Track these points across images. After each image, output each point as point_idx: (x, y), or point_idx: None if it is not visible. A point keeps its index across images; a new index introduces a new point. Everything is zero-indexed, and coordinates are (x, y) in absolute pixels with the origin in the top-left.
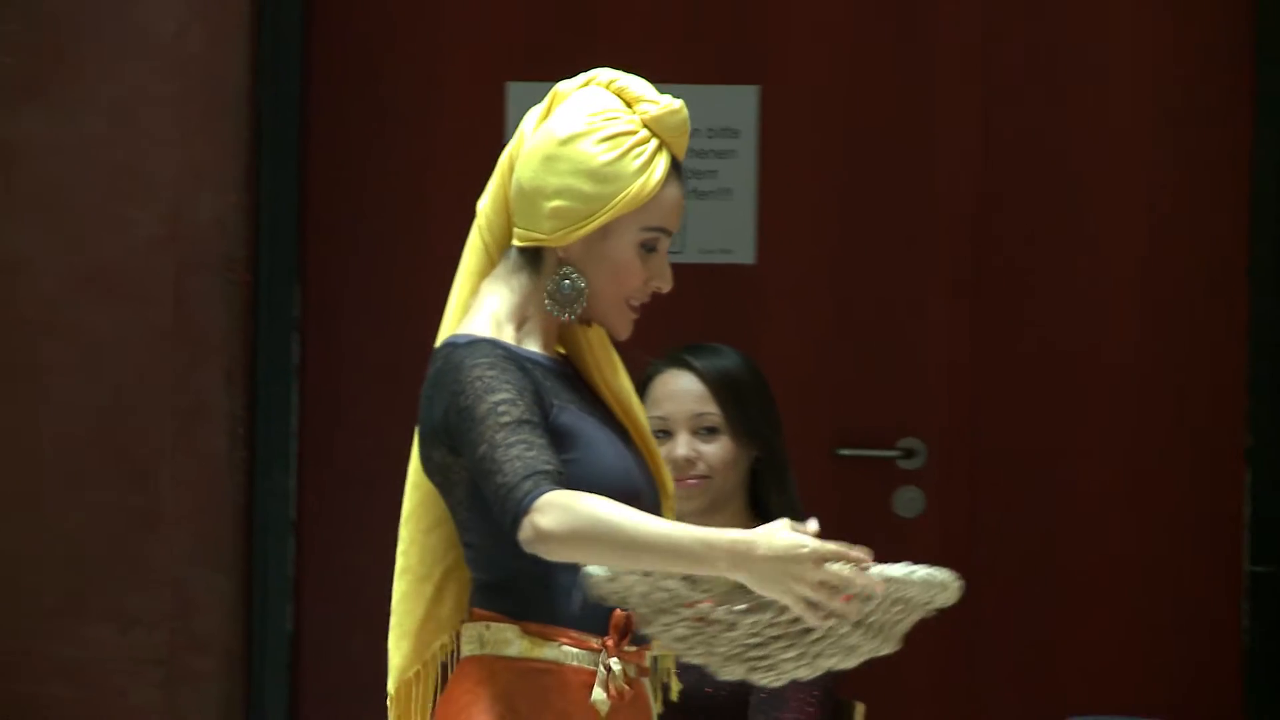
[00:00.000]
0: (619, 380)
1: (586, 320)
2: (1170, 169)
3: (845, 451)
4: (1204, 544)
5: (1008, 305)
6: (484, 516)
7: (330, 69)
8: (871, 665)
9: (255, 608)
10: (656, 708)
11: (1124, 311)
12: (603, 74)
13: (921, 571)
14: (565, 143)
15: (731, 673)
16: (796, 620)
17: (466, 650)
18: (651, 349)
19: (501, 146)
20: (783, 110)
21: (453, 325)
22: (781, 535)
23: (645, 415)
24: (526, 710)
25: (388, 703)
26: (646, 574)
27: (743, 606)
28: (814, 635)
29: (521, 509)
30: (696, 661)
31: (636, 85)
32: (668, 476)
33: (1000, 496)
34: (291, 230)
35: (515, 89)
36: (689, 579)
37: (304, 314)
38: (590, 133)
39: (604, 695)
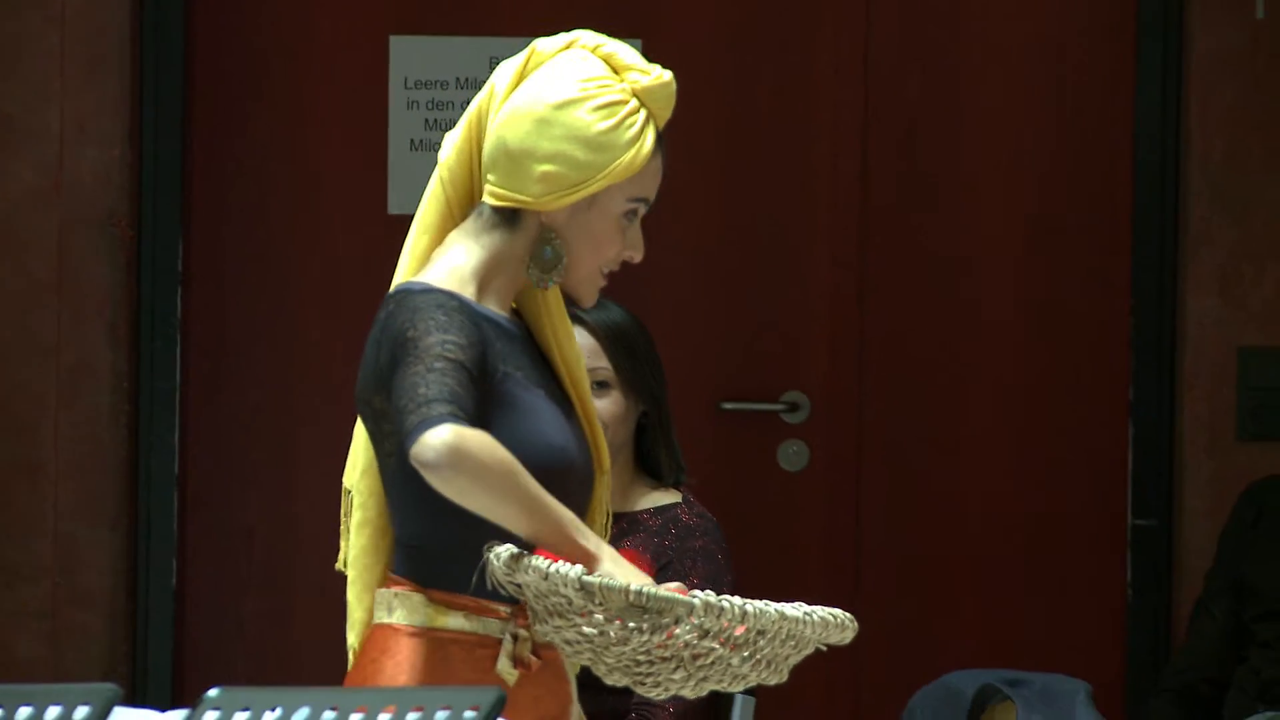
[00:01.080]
0: (571, 348)
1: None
2: (1053, 135)
3: (729, 405)
4: (1088, 498)
5: (892, 258)
6: (406, 474)
7: (213, 22)
8: None
9: (140, 563)
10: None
11: (1007, 269)
12: (586, 37)
13: (819, 613)
14: (559, 107)
15: (616, 681)
16: (687, 645)
17: (376, 617)
18: None
19: (384, 100)
20: (663, 62)
21: (406, 275)
22: (621, 574)
23: (589, 386)
24: (429, 681)
25: (349, 656)
26: (546, 576)
27: (634, 625)
28: (702, 661)
29: (428, 423)
30: (583, 664)
31: (624, 53)
32: (605, 453)
33: (885, 450)
34: (175, 184)
35: (397, 43)
36: (586, 589)
37: (187, 269)
38: (584, 99)
39: (509, 665)
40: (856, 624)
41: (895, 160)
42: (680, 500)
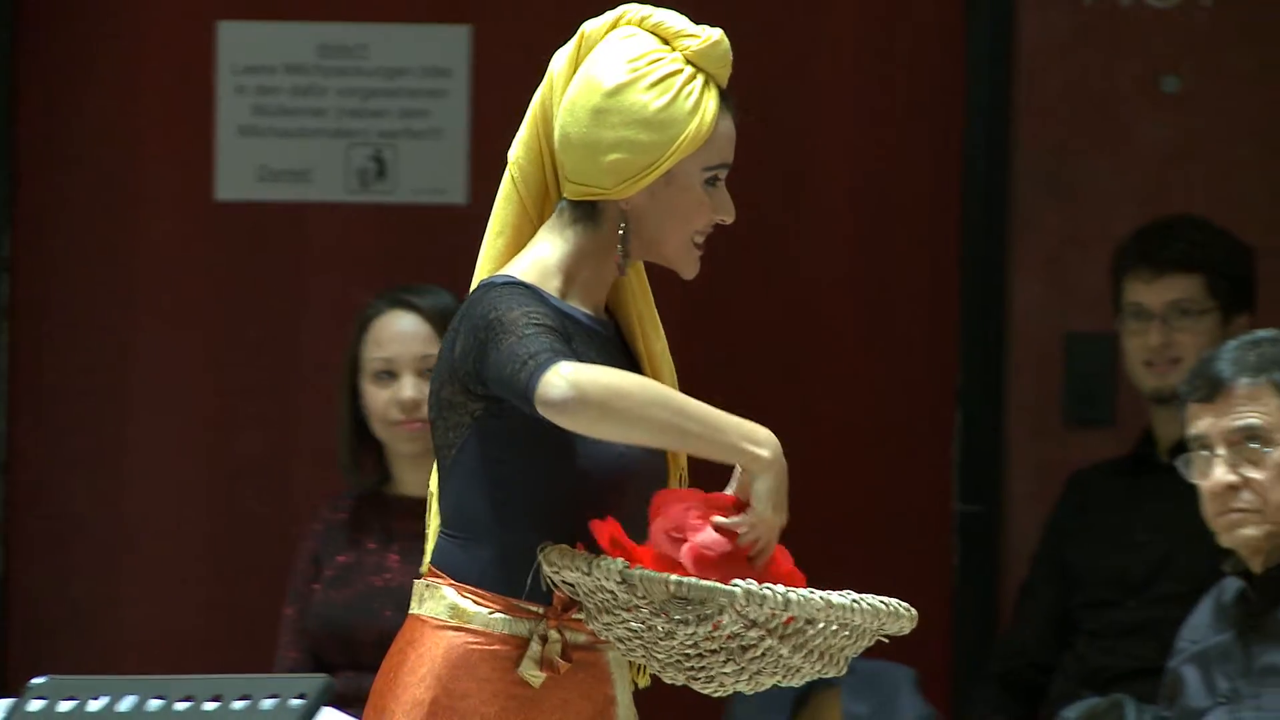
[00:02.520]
0: (659, 351)
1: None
2: (883, 121)
3: None
4: (915, 484)
5: (723, 243)
6: (464, 469)
7: (40, 7)
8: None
9: None
10: (642, 680)
11: (836, 256)
12: (632, 10)
13: (869, 600)
14: (613, 94)
15: (673, 679)
16: (735, 636)
17: (411, 608)
18: (359, 289)
19: (212, 86)
20: (495, 51)
21: (483, 277)
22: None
23: (675, 380)
24: (448, 676)
25: None
26: (588, 572)
27: (679, 618)
28: (752, 654)
29: (541, 368)
30: (639, 662)
31: (671, 19)
32: (684, 457)
33: None
34: (2, 171)
35: (225, 28)
36: (627, 582)
37: (14, 254)
38: (637, 80)
39: (534, 667)
40: (914, 613)
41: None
42: None
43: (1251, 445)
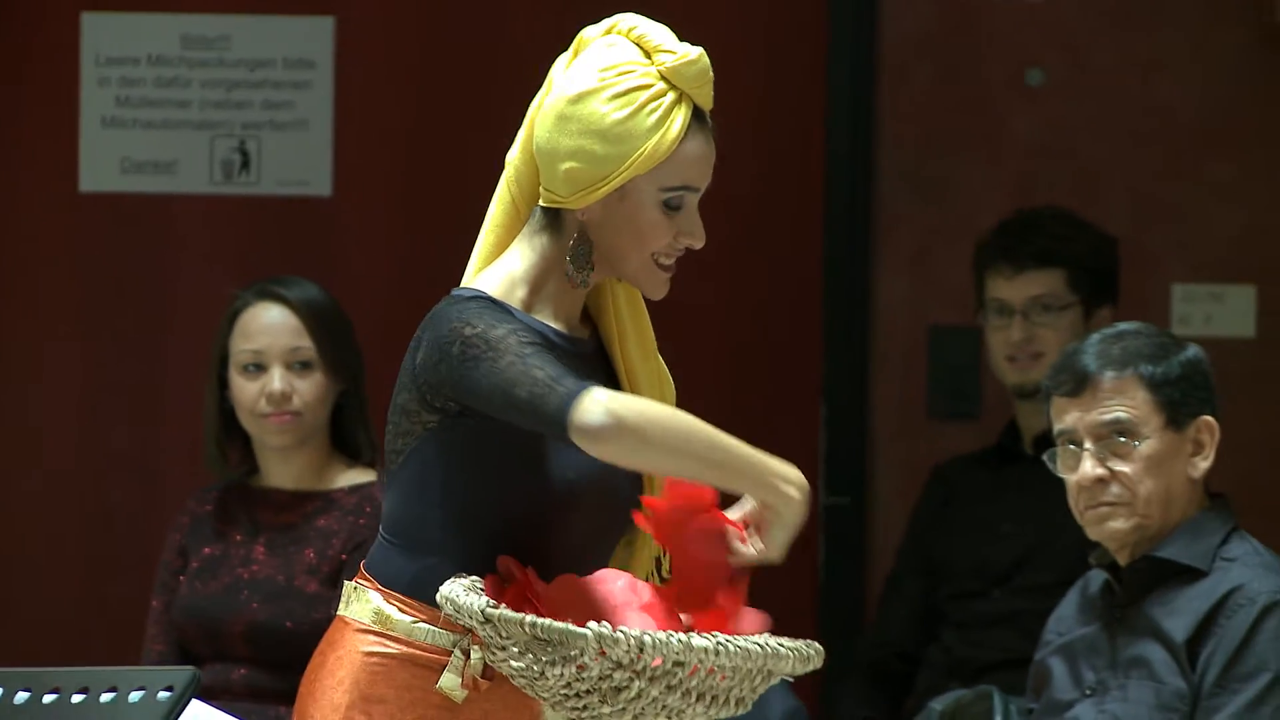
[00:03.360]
0: (645, 363)
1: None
2: (746, 117)
3: None
4: None
5: None
6: (408, 477)
7: None
8: None
9: None
10: None
11: (704, 255)
12: (625, 20)
13: (738, 642)
14: (576, 101)
15: (557, 715)
16: (604, 678)
17: (339, 609)
18: (226, 282)
19: (76, 78)
20: (358, 42)
21: (472, 275)
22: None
23: (672, 401)
24: (366, 681)
25: None
26: (457, 609)
27: (545, 659)
28: (626, 694)
29: (573, 395)
30: (532, 694)
31: (656, 33)
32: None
33: None
34: None
35: (89, 19)
36: (490, 622)
37: None
38: (601, 89)
39: (455, 681)
40: (811, 651)
41: None
42: (376, 479)
43: (1119, 439)
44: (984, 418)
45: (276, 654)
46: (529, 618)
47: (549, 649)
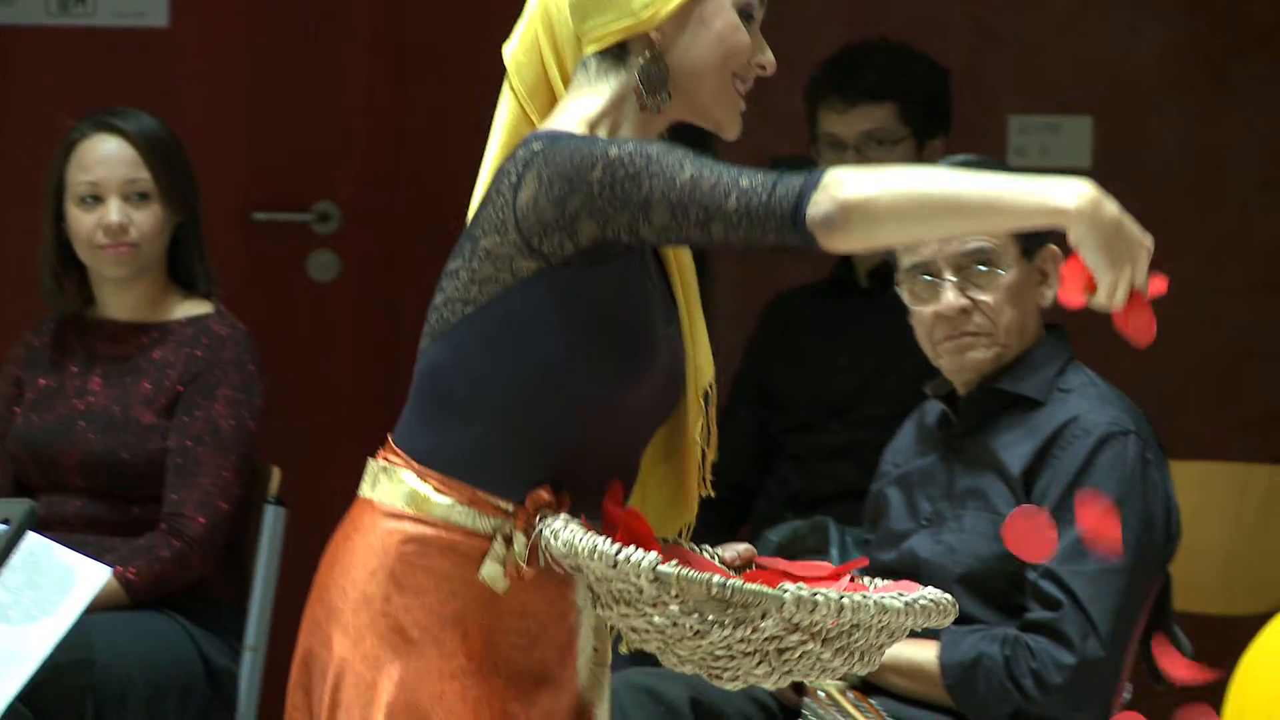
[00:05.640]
0: (685, 252)
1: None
2: None
3: (260, 216)
4: None
5: (425, 70)
6: (469, 333)
7: None
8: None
9: None
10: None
11: None
12: None
13: (922, 601)
14: None
15: (684, 669)
16: (773, 639)
17: (362, 489)
18: (62, 113)
19: None
20: None
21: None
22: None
23: (698, 296)
24: (402, 573)
25: None
26: (614, 564)
27: (713, 619)
28: (788, 655)
29: (808, 185)
30: (648, 650)
31: None
32: (706, 370)
33: (415, 260)
34: None
35: None
36: (661, 580)
37: None
38: None
39: (497, 570)
40: (955, 607)
41: None
42: (212, 311)
43: (980, 269)
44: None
45: (111, 485)
46: (716, 578)
47: (727, 610)
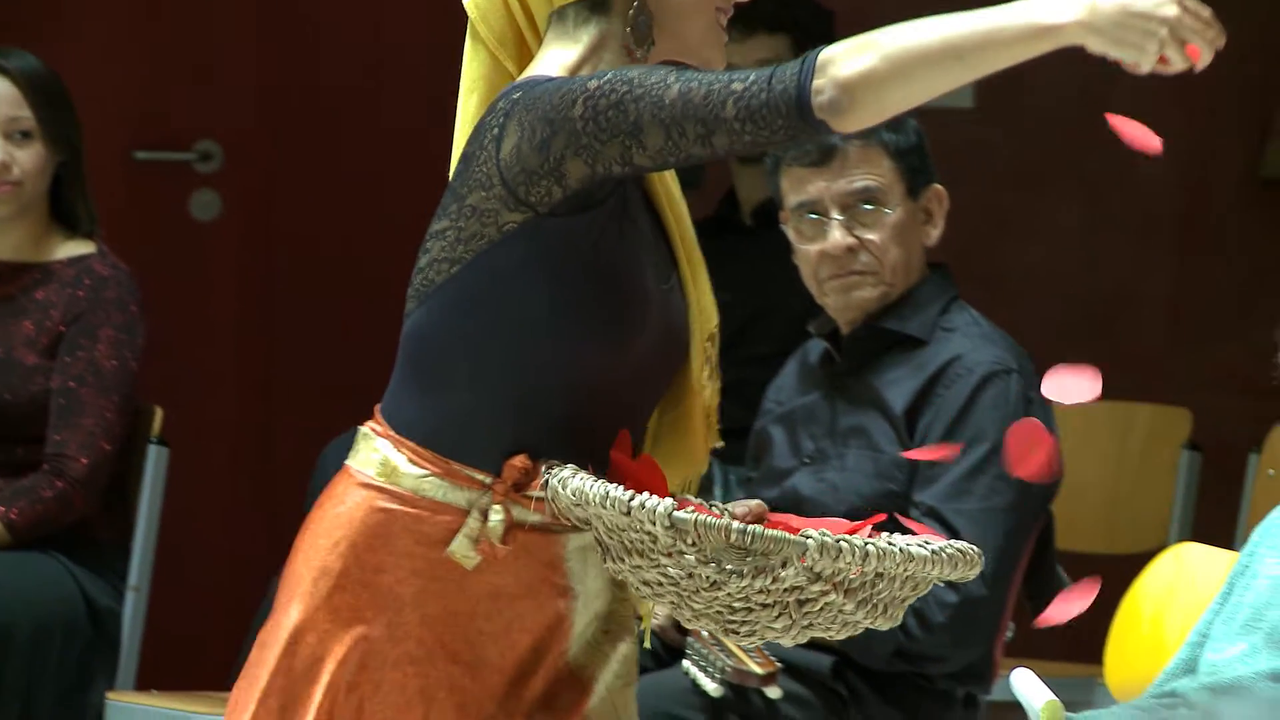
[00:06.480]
0: (678, 194)
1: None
2: None
3: (142, 155)
4: None
5: (307, 9)
6: (454, 293)
7: None
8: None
9: None
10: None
11: (417, 21)
12: None
13: (949, 550)
14: None
15: (700, 626)
16: (794, 589)
17: (349, 455)
18: None
19: None
20: None
21: (462, 141)
22: None
23: (695, 239)
24: (363, 545)
25: None
26: (627, 511)
27: (731, 568)
28: (809, 608)
29: (804, 75)
30: (661, 607)
31: None
32: (710, 314)
33: (298, 198)
34: None
35: None
36: (677, 527)
37: None
38: None
39: (468, 546)
40: (977, 554)
41: None
42: (94, 251)
43: (866, 207)
44: (704, 186)
45: None
46: (735, 524)
47: (746, 558)
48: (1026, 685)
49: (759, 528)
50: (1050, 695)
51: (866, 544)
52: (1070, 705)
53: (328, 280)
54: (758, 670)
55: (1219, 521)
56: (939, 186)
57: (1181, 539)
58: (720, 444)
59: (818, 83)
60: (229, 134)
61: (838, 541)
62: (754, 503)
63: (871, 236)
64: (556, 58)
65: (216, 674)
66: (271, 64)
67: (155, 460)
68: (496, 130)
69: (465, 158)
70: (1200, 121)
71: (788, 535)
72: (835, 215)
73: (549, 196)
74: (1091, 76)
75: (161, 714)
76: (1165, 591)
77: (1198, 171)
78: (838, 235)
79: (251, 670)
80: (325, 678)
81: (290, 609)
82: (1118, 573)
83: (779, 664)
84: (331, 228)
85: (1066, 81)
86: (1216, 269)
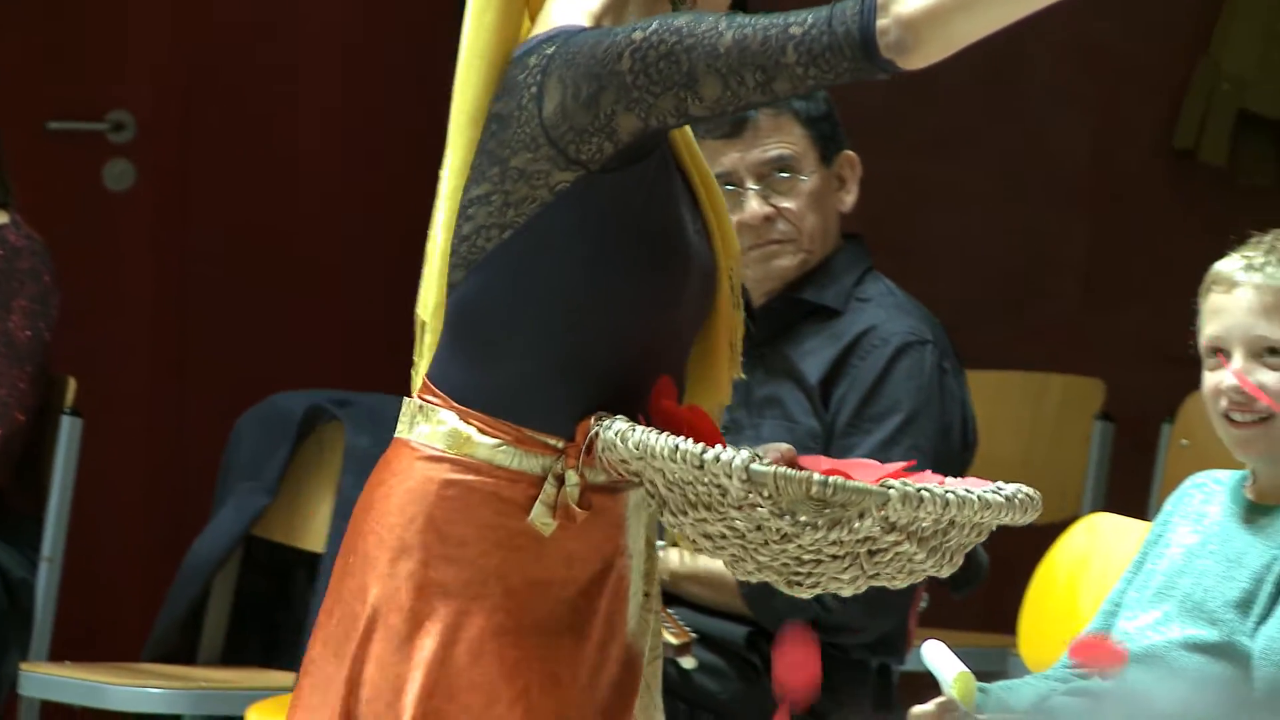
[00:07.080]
0: (693, 139)
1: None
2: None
3: (55, 125)
4: None
5: None
6: (505, 260)
7: None
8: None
9: None
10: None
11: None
12: None
13: (1020, 495)
14: None
15: (759, 577)
16: (866, 540)
17: (398, 430)
18: None
19: None
20: None
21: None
22: None
23: (707, 165)
24: (442, 519)
25: None
26: (700, 464)
27: (806, 520)
28: (880, 558)
29: (866, 15)
30: (720, 560)
31: None
32: (735, 246)
33: (213, 169)
34: None
35: None
36: (754, 479)
37: None
38: None
39: (546, 513)
40: (1038, 497)
41: None
42: (8, 221)
43: (782, 176)
44: None
45: None
46: (816, 476)
47: (824, 511)
48: (938, 656)
49: (839, 479)
50: (961, 666)
51: (947, 493)
52: (984, 676)
53: (242, 250)
54: (673, 640)
55: (1132, 491)
56: (851, 153)
57: (1095, 509)
58: (743, 376)
59: (881, 23)
60: (142, 104)
61: (919, 491)
62: (784, 446)
63: (788, 204)
64: (580, 4)
65: (130, 645)
66: (186, 33)
67: (69, 431)
68: (535, 89)
69: (500, 117)
70: (1113, 91)
71: (870, 486)
72: (751, 185)
73: (600, 153)
74: (1006, 47)
75: (75, 685)
76: (1078, 561)
77: (1111, 142)
78: (754, 205)
79: (319, 668)
80: (420, 654)
81: (367, 594)
82: (1031, 543)
83: (694, 634)
84: (246, 198)
85: (977, 49)
86: (1130, 240)
